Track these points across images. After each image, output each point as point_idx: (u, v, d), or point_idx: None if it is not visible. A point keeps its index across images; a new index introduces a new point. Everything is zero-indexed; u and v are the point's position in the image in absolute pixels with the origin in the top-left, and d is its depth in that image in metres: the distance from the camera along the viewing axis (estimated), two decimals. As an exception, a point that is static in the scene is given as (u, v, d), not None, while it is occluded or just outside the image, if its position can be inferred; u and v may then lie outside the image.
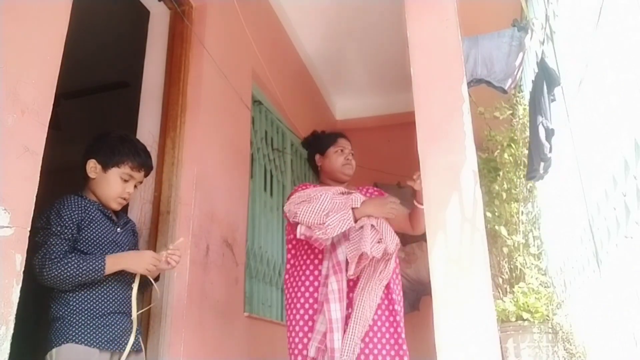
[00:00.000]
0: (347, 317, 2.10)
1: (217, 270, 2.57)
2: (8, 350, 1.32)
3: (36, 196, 1.47)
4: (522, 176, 2.62)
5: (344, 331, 2.06)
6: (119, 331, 1.81)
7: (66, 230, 1.78)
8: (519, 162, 2.64)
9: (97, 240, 1.86)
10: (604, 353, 2.01)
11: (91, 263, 1.74)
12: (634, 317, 1.70)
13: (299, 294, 2.20)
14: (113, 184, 1.92)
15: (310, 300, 2.17)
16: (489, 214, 2.54)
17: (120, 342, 1.81)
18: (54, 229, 1.77)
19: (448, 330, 1.87)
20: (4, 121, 1.40)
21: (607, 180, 1.90)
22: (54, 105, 1.58)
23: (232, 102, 2.94)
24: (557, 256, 2.57)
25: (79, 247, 1.82)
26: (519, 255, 2.51)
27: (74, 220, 1.81)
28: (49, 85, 1.58)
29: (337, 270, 2.13)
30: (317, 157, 2.49)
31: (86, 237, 1.84)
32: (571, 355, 2.17)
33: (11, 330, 1.34)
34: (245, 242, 2.95)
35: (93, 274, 1.74)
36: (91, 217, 1.86)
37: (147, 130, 2.54)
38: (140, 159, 1.98)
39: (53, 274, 1.69)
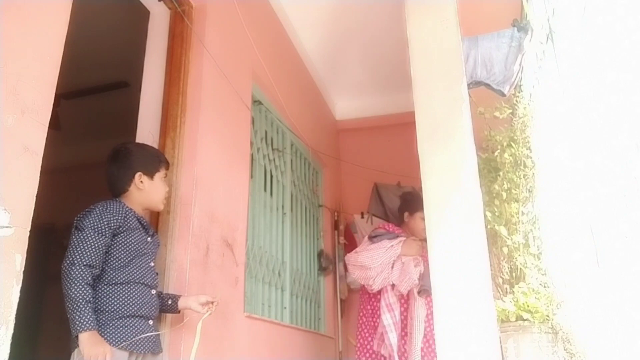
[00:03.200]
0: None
1: (217, 270, 2.57)
2: (8, 350, 1.32)
3: (36, 196, 1.47)
4: (522, 176, 2.62)
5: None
6: (137, 333, 1.88)
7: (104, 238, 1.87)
8: (519, 162, 2.63)
9: (130, 247, 1.95)
10: (604, 353, 2.01)
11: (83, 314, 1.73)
12: (634, 317, 1.70)
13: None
14: (160, 187, 2.14)
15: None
16: (489, 214, 2.53)
17: (138, 343, 1.87)
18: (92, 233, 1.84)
19: (448, 330, 1.87)
20: (4, 121, 1.40)
21: (607, 179, 1.90)
22: (54, 105, 1.58)
23: (232, 102, 2.94)
24: (557, 256, 2.56)
25: (112, 252, 1.90)
26: (519, 255, 2.51)
27: (112, 226, 1.90)
28: (49, 85, 1.58)
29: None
30: (406, 214, 3.27)
31: (121, 242, 1.92)
32: (571, 355, 2.16)
33: (11, 330, 1.34)
34: (245, 242, 2.94)
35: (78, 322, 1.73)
36: (130, 224, 1.96)
37: (147, 130, 2.54)
38: (164, 157, 2.26)
39: (73, 280, 1.75)
